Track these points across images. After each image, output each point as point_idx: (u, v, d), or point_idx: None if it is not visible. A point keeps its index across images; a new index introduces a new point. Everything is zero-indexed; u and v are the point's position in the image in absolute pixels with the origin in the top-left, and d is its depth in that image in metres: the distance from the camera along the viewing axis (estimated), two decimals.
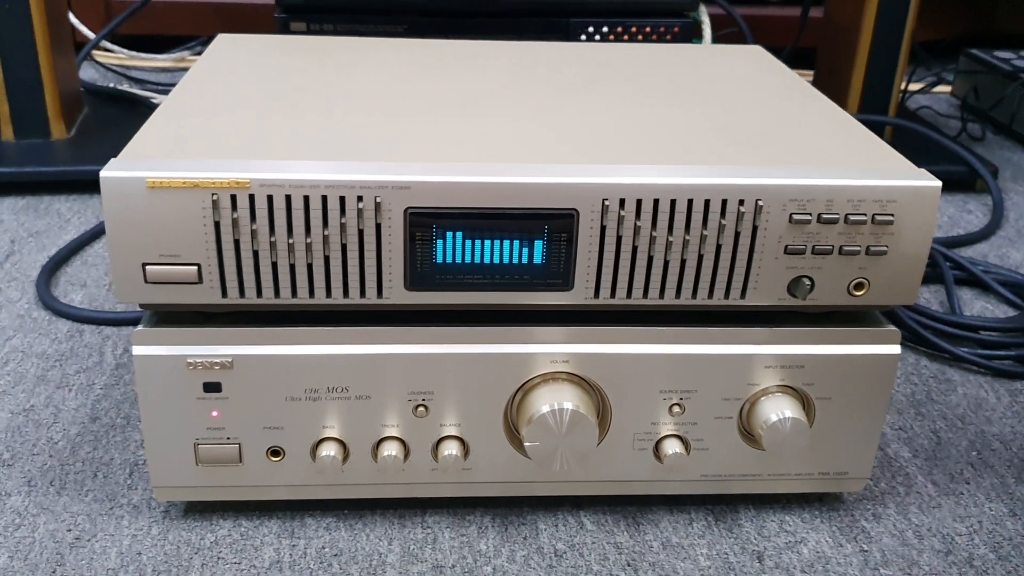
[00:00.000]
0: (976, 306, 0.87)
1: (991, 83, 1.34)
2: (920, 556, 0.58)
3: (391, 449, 0.55)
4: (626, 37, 1.01)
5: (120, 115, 1.18)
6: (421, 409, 0.55)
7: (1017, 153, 1.26)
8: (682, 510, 0.60)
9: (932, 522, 0.61)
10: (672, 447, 0.56)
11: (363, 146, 0.53)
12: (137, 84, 1.36)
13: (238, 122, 0.56)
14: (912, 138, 1.18)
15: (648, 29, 1.01)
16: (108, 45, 1.45)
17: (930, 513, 0.61)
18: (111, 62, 1.45)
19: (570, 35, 1.01)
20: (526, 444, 0.54)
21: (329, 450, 0.55)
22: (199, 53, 1.51)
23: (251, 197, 0.49)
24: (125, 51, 1.46)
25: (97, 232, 0.93)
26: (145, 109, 1.20)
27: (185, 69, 1.47)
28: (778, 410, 0.55)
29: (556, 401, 0.53)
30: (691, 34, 1.03)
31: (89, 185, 1.03)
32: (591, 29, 1.01)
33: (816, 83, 1.24)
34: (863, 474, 0.59)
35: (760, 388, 0.56)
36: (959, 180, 1.13)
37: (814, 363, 0.56)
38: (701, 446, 0.57)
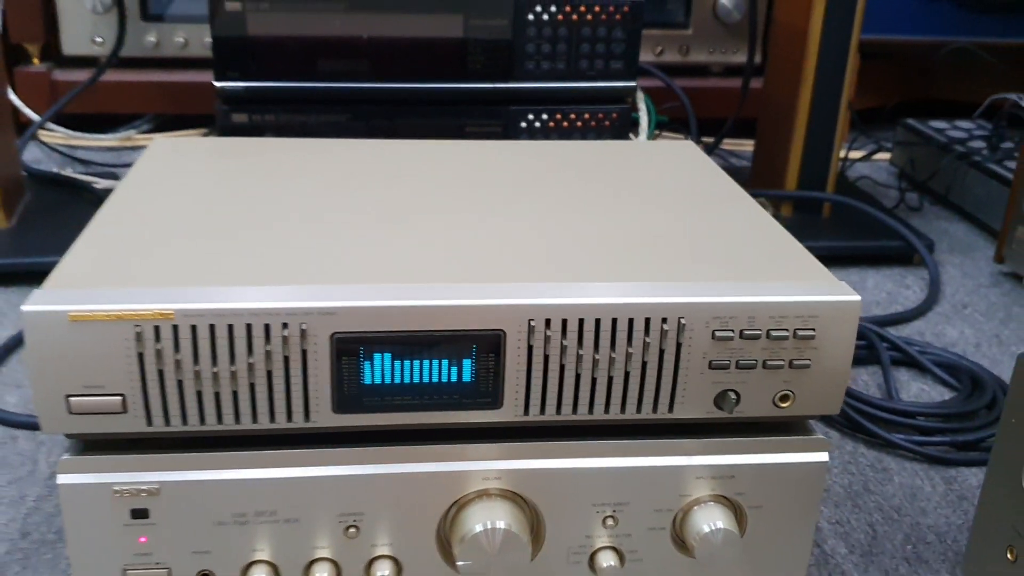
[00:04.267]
0: (913, 388, 0.89)
1: (927, 154, 1.37)
2: None
3: (322, 571, 0.54)
4: (565, 124, 1.02)
5: (63, 201, 1.18)
6: (352, 530, 0.55)
7: (953, 224, 1.28)
8: None
9: None
10: (607, 559, 0.56)
11: (289, 268, 0.53)
12: (82, 164, 1.35)
13: (165, 244, 0.56)
14: (850, 212, 1.20)
15: (587, 116, 1.02)
16: (53, 126, 1.44)
17: None
18: (56, 142, 1.44)
19: (510, 122, 1.02)
20: (458, 563, 0.54)
21: (259, 573, 0.54)
22: (146, 132, 1.51)
23: (175, 328, 0.49)
24: (70, 131, 1.45)
25: None
26: (88, 194, 1.19)
27: (132, 148, 1.47)
28: (710, 521, 0.55)
29: (488, 520, 0.53)
30: (629, 119, 1.05)
31: (30, 277, 1.02)
32: (531, 116, 1.02)
33: (756, 155, 1.26)
34: None
35: (692, 498, 0.56)
36: (897, 254, 1.15)
37: (744, 473, 0.56)
38: (635, 557, 0.57)
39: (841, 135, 1.17)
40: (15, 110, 1.38)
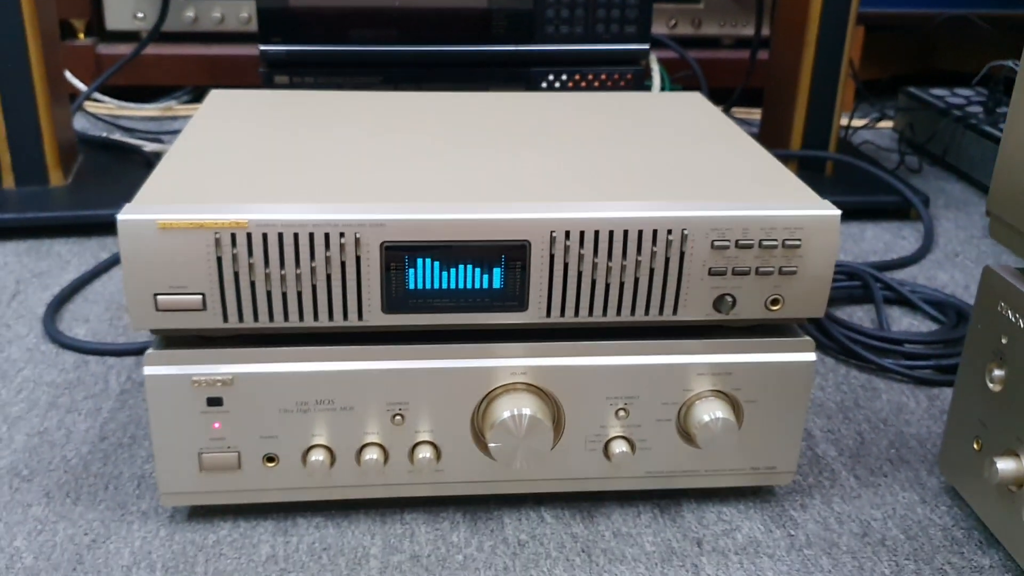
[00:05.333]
0: (904, 323, 0.96)
1: (927, 119, 1.44)
2: (840, 539, 0.66)
3: (372, 454, 0.63)
4: (583, 84, 1.10)
5: (113, 162, 1.26)
6: (398, 418, 0.63)
7: (950, 183, 1.36)
8: (631, 504, 0.68)
9: (852, 510, 0.69)
10: (619, 447, 0.64)
11: (344, 189, 0.61)
12: (127, 133, 1.44)
13: (235, 170, 0.64)
14: (852, 171, 1.27)
15: (604, 76, 1.10)
16: (99, 96, 1.53)
17: (851, 502, 0.69)
18: (102, 112, 1.53)
19: (532, 83, 1.10)
20: (490, 445, 0.62)
21: (318, 456, 0.62)
22: (186, 102, 1.60)
23: (248, 235, 0.57)
24: (115, 102, 1.54)
25: (96, 272, 1.01)
26: (136, 156, 1.28)
27: (172, 118, 1.56)
28: (710, 412, 0.63)
29: (516, 408, 0.61)
30: (643, 80, 1.12)
31: (87, 228, 1.11)
32: (551, 77, 1.10)
33: (763, 121, 1.33)
34: (790, 468, 0.67)
35: (694, 393, 0.64)
36: (895, 209, 1.22)
37: (741, 370, 0.64)
38: (645, 446, 0.65)
39: (842, 98, 1.24)
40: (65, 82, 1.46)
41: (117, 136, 1.35)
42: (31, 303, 0.95)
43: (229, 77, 1.54)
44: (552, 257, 0.60)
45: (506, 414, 0.61)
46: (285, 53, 1.06)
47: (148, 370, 0.60)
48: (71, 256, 1.06)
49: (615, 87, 1.11)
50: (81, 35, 1.55)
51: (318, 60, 1.08)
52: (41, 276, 1.01)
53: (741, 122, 1.56)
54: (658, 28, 1.58)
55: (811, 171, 1.28)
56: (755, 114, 1.58)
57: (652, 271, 0.60)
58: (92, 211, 1.10)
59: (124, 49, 1.53)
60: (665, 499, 0.69)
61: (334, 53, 1.07)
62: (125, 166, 1.25)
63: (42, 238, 1.10)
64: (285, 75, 1.07)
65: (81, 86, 1.49)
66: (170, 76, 1.56)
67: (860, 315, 0.97)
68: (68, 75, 1.48)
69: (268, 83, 1.08)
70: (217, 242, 0.57)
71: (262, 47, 1.06)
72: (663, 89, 1.28)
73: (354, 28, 1.07)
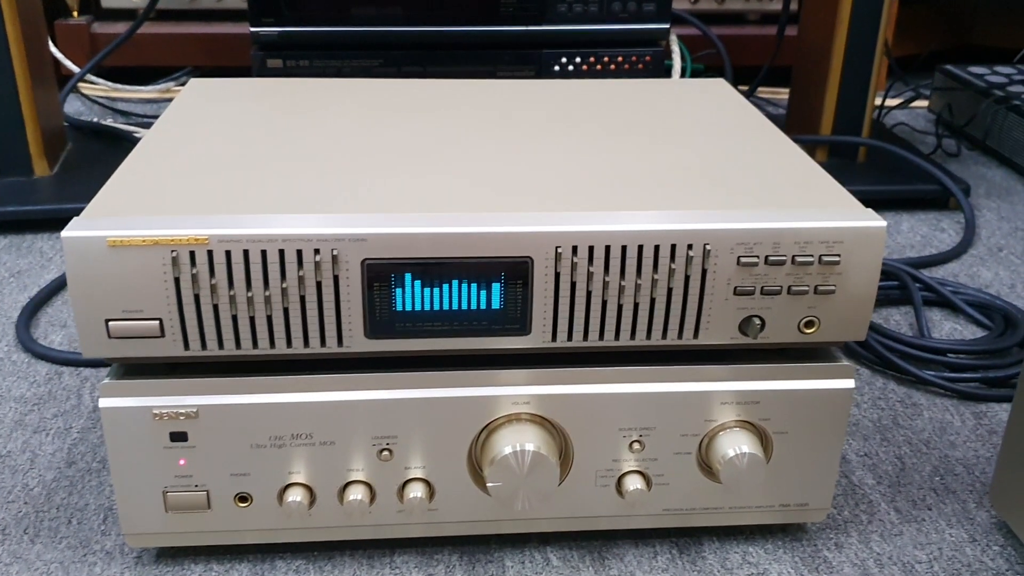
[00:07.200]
0: (946, 327, 0.88)
1: (965, 99, 1.36)
2: None
3: (357, 493, 0.56)
4: (599, 67, 1.02)
5: (104, 150, 1.20)
6: (386, 453, 0.56)
7: (991, 169, 1.27)
8: (647, 544, 0.61)
9: (893, 550, 0.62)
10: (634, 483, 0.58)
11: (322, 197, 0.54)
12: (123, 116, 1.37)
13: (200, 176, 0.57)
14: (886, 157, 1.19)
15: (620, 59, 1.02)
16: (93, 78, 1.46)
17: (891, 541, 0.62)
18: (96, 94, 1.46)
19: (542, 67, 1.02)
20: (489, 484, 0.55)
21: (295, 495, 0.56)
22: (183, 84, 1.53)
23: (209, 253, 0.50)
24: (110, 83, 1.47)
25: None
26: (128, 143, 1.21)
27: (170, 100, 1.49)
28: (735, 445, 0.56)
29: (518, 442, 0.55)
30: (663, 62, 1.04)
31: None
32: (564, 60, 1.02)
33: (791, 102, 1.25)
34: (823, 505, 0.60)
35: (717, 424, 0.57)
36: (933, 198, 1.14)
37: (769, 399, 0.57)
38: (662, 481, 0.58)
39: (877, 80, 1.16)
40: (56, 63, 1.40)
41: (109, 121, 1.29)
42: (5, 306, 0.89)
43: (229, 57, 1.47)
44: (558, 275, 0.53)
45: (507, 450, 0.54)
46: (277, 35, 0.99)
47: (104, 402, 0.54)
48: (54, 253, 1.00)
49: (632, 70, 1.03)
50: (75, 13, 1.48)
51: (313, 42, 1.00)
52: (20, 275, 0.95)
53: (767, 103, 1.48)
54: (679, 3, 1.50)
55: (842, 157, 1.20)
56: (782, 95, 1.50)
57: (670, 291, 0.53)
58: (79, 204, 1.03)
59: (120, 28, 1.46)
60: (684, 538, 0.62)
61: (331, 34, 1.00)
62: (117, 154, 1.18)
63: (24, 233, 1.04)
64: (278, 58, 1.00)
65: (74, 67, 1.42)
66: (168, 56, 1.49)
67: (897, 318, 0.90)
68: (60, 56, 1.41)
69: (261, 67, 1.01)
70: (174, 261, 0.50)
71: (253, 28, 0.99)
72: (684, 72, 1.20)
73: (352, 7, 0.99)
